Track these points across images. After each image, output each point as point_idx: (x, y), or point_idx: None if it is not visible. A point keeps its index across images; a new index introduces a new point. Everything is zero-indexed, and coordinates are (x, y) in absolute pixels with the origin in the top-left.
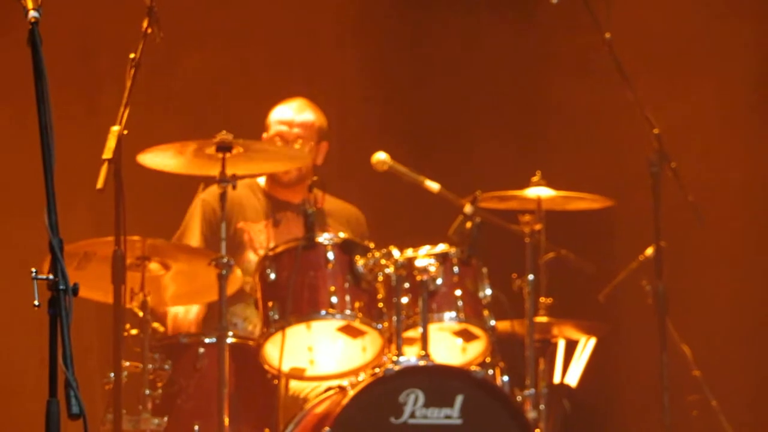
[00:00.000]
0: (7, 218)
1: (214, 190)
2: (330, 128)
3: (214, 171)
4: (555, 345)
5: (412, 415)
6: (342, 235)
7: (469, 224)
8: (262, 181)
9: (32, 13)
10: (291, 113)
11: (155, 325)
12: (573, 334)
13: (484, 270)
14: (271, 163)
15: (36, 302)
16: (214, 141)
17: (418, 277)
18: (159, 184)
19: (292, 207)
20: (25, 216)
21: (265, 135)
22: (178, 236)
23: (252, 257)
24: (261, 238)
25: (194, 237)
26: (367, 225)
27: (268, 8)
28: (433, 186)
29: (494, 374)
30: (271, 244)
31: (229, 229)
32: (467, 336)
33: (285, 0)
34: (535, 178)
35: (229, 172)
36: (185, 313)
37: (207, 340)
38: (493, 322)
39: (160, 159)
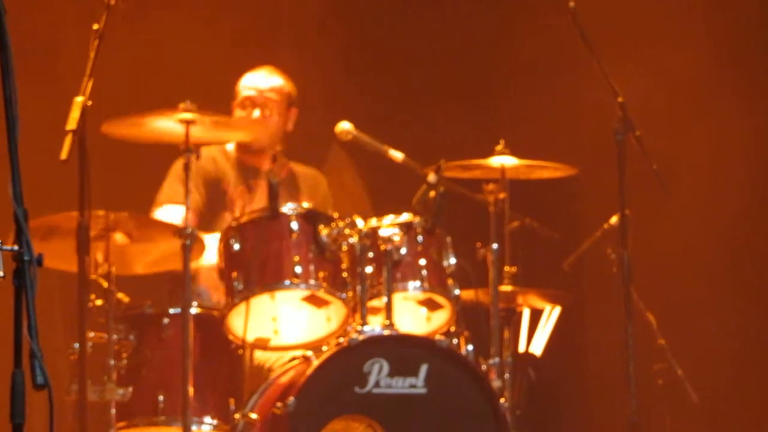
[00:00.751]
0: None
1: (205, 152)
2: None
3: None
4: (520, 314)
5: (377, 385)
6: (306, 205)
7: (432, 193)
8: (230, 147)
9: None
10: (260, 79)
11: (120, 295)
12: (538, 303)
13: (449, 239)
14: (234, 132)
15: (1, 273)
16: (177, 112)
17: (382, 247)
18: (124, 155)
19: (263, 174)
20: None
21: (234, 103)
22: (167, 194)
23: (229, 218)
24: (239, 202)
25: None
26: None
27: None
28: (397, 155)
29: (459, 343)
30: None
31: (217, 188)
32: (432, 305)
33: None
34: (498, 147)
35: (194, 141)
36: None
37: (171, 311)
38: (457, 292)
39: (124, 129)
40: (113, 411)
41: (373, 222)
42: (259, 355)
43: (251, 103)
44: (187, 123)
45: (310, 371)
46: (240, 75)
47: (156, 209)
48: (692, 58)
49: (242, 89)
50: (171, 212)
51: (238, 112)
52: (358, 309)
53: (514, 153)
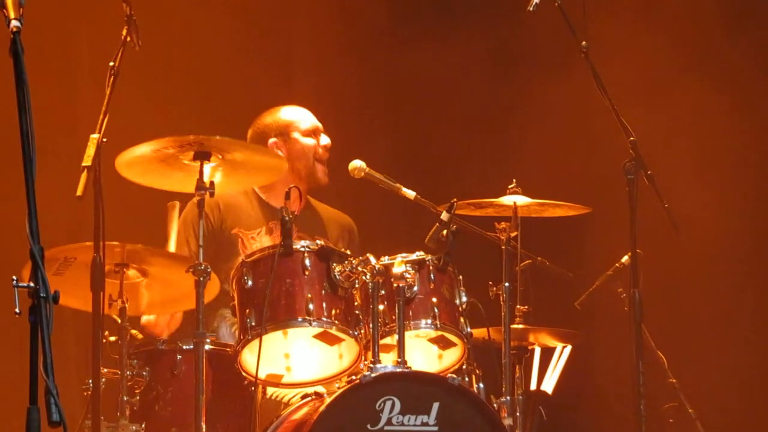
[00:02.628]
0: None
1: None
2: None
3: (192, 181)
4: (531, 352)
5: (389, 422)
6: (319, 242)
7: (445, 231)
8: (255, 189)
9: (14, 23)
10: (305, 111)
11: (133, 332)
12: (549, 341)
13: (461, 277)
14: (250, 176)
15: (17, 309)
16: (190, 139)
17: (395, 284)
18: (138, 192)
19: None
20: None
21: (272, 141)
22: (168, 239)
23: None
24: (254, 245)
25: (180, 243)
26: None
27: (242, 13)
28: (410, 193)
29: (470, 381)
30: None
31: (224, 233)
32: (444, 343)
33: (262, 4)
34: (510, 186)
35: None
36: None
37: (184, 347)
38: (469, 329)
39: (138, 167)
40: None
41: (386, 260)
42: (272, 391)
43: (318, 130)
44: (202, 160)
45: (322, 408)
46: (254, 111)
47: None
48: (703, 99)
49: (302, 119)
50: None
51: (307, 141)
52: (370, 346)
53: (526, 192)
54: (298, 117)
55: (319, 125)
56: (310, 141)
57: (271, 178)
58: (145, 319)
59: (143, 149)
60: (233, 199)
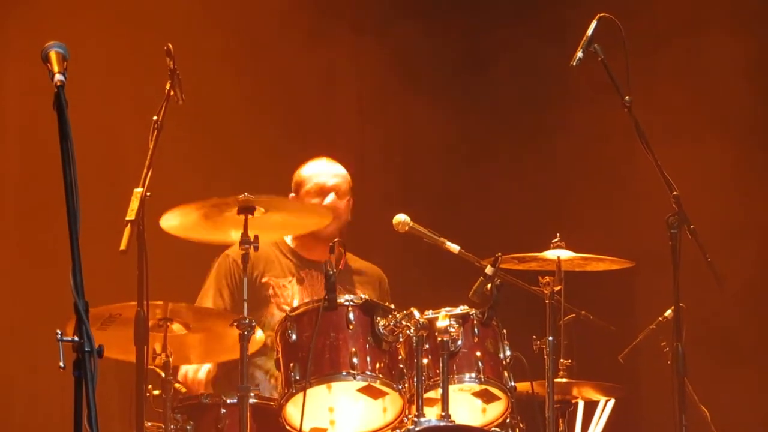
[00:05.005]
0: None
1: (236, 247)
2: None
3: (236, 233)
4: (575, 406)
5: None
6: (363, 296)
7: (489, 285)
8: (288, 239)
9: (58, 77)
10: (325, 166)
11: (177, 385)
12: (592, 394)
13: (504, 331)
14: (293, 225)
15: (61, 363)
16: (235, 199)
17: (439, 338)
18: (182, 246)
19: (317, 265)
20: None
21: (291, 195)
22: (204, 292)
23: (276, 312)
24: (285, 293)
25: (215, 295)
26: (389, 286)
27: (289, 71)
28: (454, 247)
29: None
30: (294, 303)
31: (255, 282)
32: (487, 397)
33: (304, 62)
34: (554, 240)
35: (251, 233)
36: (195, 372)
37: (228, 401)
38: (513, 383)
39: (181, 221)
40: None
41: (430, 314)
42: None
43: (324, 190)
44: (246, 214)
45: None
46: (292, 165)
47: None
48: (743, 150)
49: (312, 177)
50: None
51: (310, 200)
52: (414, 400)
53: (570, 246)
54: (309, 175)
55: (327, 183)
56: (314, 201)
57: (310, 228)
58: (181, 373)
59: (190, 210)
60: (263, 249)
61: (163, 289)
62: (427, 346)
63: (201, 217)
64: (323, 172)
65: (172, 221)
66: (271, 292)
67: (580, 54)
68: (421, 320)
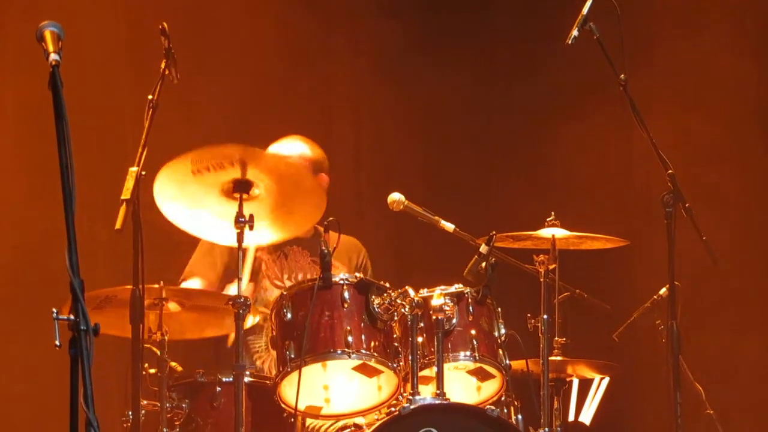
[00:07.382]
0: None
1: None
2: (331, 162)
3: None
4: (569, 384)
5: None
6: (358, 275)
7: (484, 264)
8: None
9: (53, 56)
10: (282, 148)
11: (173, 364)
12: (587, 373)
13: (499, 309)
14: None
15: (57, 342)
16: (227, 148)
17: (434, 317)
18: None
19: (298, 240)
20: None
21: None
22: (197, 258)
23: (268, 286)
24: (274, 269)
25: (210, 264)
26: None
27: (285, 47)
28: (449, 226)
29: (509, 413)
30: (286, 282)
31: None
32: (482, 375)
33: (300, 40)
34: (549, 219)
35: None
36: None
37: (224, 379)
38: (507, 361)
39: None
40: None
41: (425, 292)
42: (311, 421)
43: None
44: (241, 195)
45: None
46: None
47: (182, 283)
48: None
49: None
50: (192, 286)
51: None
52: (409, 378)
53: (564, 224)
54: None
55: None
56: None
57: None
58: None
59: (182, 162)
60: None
61: (158, 268)
62: (421, 324)
63: (195, 184)
64: (283, 155)
65: (166, 179)
66: (263, 266)
67: (575, 32)
68: (416, 299)
